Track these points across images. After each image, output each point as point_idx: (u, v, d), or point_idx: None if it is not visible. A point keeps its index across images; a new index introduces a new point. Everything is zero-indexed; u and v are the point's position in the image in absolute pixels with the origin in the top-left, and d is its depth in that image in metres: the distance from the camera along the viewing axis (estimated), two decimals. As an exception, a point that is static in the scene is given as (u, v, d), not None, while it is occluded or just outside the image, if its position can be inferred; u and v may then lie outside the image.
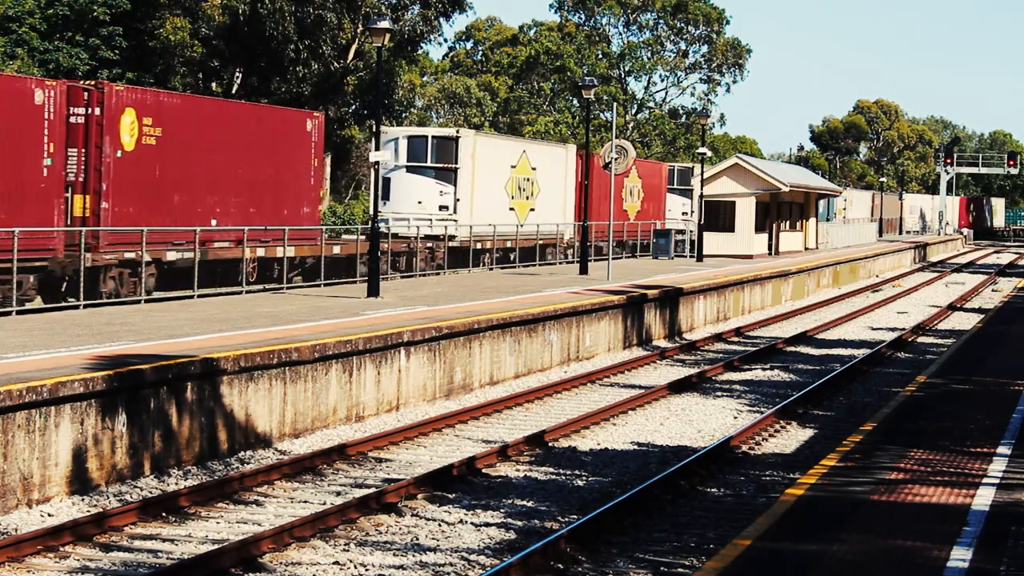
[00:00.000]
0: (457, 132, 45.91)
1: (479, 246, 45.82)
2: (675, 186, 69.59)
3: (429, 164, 45.12)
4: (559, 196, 52.88)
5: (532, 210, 49.88)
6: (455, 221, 44.64)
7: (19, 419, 15.20)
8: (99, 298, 28.94)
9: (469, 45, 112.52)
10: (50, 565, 13.36)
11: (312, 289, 33.31)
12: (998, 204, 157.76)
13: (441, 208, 45.06)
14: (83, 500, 15.84)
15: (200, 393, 18.11)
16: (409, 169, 45.08)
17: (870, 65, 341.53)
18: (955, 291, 58.10)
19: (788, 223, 63.92)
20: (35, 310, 25.82)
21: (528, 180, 49.96)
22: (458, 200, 45.16)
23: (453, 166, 45.19)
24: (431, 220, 44.11)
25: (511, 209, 48.92)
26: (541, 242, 50.07)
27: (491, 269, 45.19)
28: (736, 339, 36.75)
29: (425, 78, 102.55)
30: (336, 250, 39.05)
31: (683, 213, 67.43)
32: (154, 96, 33.18)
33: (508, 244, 47.58)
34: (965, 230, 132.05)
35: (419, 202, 44.87)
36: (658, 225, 61.13)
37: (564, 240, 52.56)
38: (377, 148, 30.98)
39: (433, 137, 45.76)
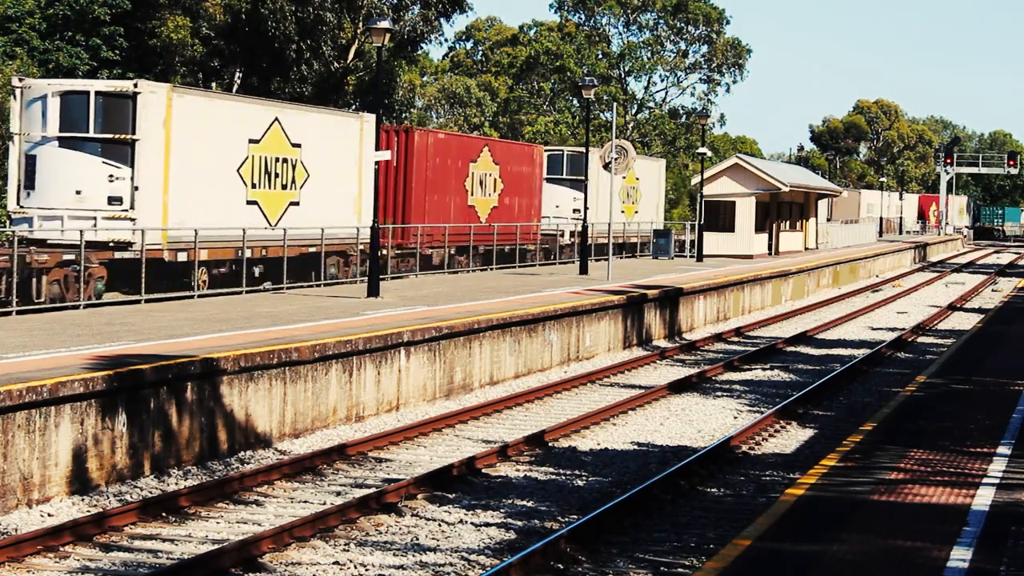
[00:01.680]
0: (136, 86, 30.77)
1: (182, 257, 31.05)
2: (563, 176, 56.55)
3: (92, 135, 30.37)
4: (343, 185, 37.86)
5: (294, 204, 35.51)
6: (132, 220, 30.15)
7: (19, 419, 15.20)
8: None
9: (469, 45, 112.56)
10: (50, 565, 13.36)
11: (312, 289, 33.32)
12: (961, 202, 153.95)
13: (111, 201, 30.35)
14: (83, 500, 15.84)
15: (200, 393, 18.10)
16: (63, 142, 30.44)
17: (870, 65, 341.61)
18: (955, 291, 58.09)
19: (788, 223, 63.91)
20: (35, 310, 25.82)
21: (285, 162, 35.18)
22: (137, 189, 30.38)
23: (130, 137, 30.32)
24: (96, 218, 30.13)
25: (252, 203, 33.80)
26: (315, 250, 35.24)
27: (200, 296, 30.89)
28: (736, 339, 36.75)
29: (425, 78, 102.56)
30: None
31: (575, 211, 54.23)
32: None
33: (250, 253, 32.94)
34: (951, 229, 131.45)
35: (78, 192, 30.37)
36: (536, 225, 51.57)
37: (357, 250, 37.71)
38: (377, 148, 30.96)
39: (98, 94, 30.60)
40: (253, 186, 33.82)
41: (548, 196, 54.38)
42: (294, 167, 35.73)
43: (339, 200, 37.58)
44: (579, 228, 46.28)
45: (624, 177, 55.54)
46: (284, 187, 35.28)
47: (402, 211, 42.16)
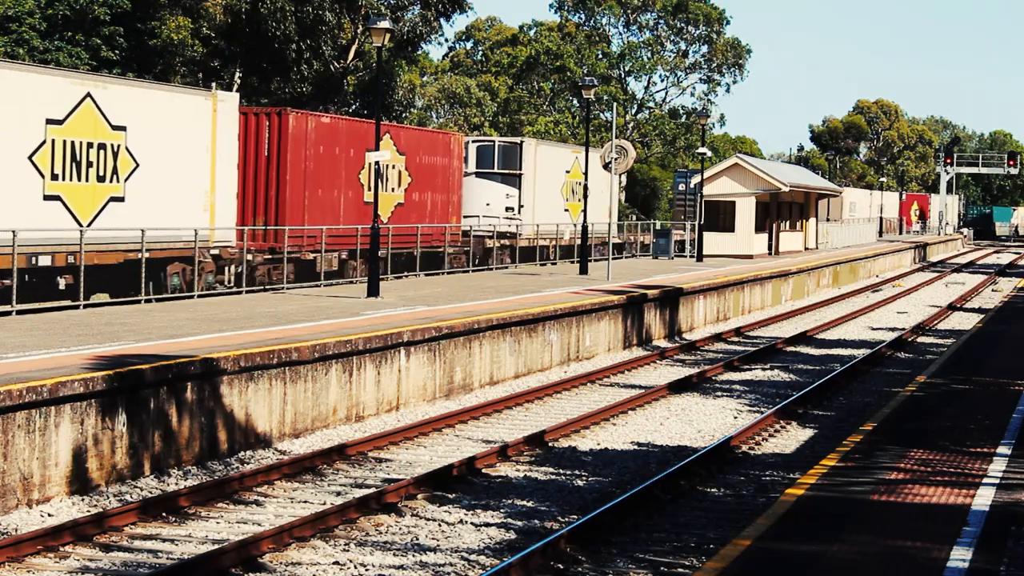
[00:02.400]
0: None
1: None
2: (494, 170, 50.33)
3: None
4: (189, 178, 31.93)
5: (116, 199, 29.67)
6: None
7: (19, 419, 15.19)
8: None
9: (469, 45, 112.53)
10: (50, 565, 13.36)
11: (312, 289, 33.32)
12: (951, 201, 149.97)
13: None
14: (83, 500, 15.84)
15: (200, 393, 18.10)
16: None
17: (870, 65, 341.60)
18: (955, 291, 58.09)
19: (788, 223, 63.91)
20: (35, 310, 25.80)
21: (102, 148, 29.24)
22: None
23: None
24: None
25: (52, 198, 28.13)
26: (150, 255, 29.46)
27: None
28: (736, 339, 36.75)
29: (425, 78, 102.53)
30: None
31: (508, 208, 50.05)
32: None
33: (50, 260, 27.59)
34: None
35: None
36: (456, 226, 45.66)
37: (209, 255, 32.22)
38: (377, 148, 30.96)
39: None
40: (54, 177, 28.10)
41: (477, 192, 49.45)
42: (115, 154, 29.63)
43: (182, 195, 31.59)
44: (512, 228, 45.05)
45: (568, 171, 53.14)
46: (101, 179, 29.28)
47: (275, 209, 36.28)
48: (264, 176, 36.50)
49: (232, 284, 32.78)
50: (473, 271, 43.66)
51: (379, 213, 35.02)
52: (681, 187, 63.19)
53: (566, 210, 54.43)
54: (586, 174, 45.10)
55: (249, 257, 33.47)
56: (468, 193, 48.44)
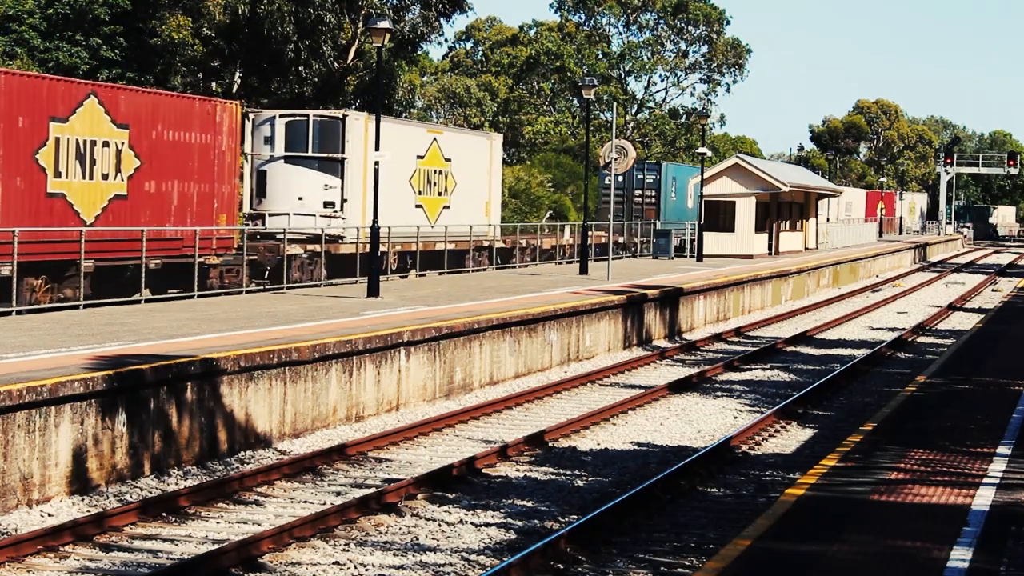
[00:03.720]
0: None
1: None
2: (308, 154, 39.14)
3: None
4: None
5: None
6: None
7: (19, 419, 15.19)
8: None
9: (469, 45, 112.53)
10: (50, 565, 13.36)
11: (312, 289, 33.31)
12: (919, 199, 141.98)
13: None
14: (83, 500, 15.83)
15: (200, 393, 18.10)
16: None
17: (870, 65, 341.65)
18: (955, 291, 58.09)
19: (788, 223, 63.91)
20: (35, 310, 25.80)
21: None
22: None
23: None
24: None
25: None
26: None
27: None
28: (736, 339, 36.75)
29: (425, 78, 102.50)
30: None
31: (327, 204, 38.81)
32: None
33: None
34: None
35: None
36: (225, 229, 33.61)
37: None
38: (377, 148, 30.97)
39: None
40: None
41: (285, 183, 38.81)
42: None
43: None
44: (332, 229, 36.95)
45: (422, 156, 42.53)
46: None
47: None
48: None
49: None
50: (251, 292, 32.31)
51: (78, 209, 28.73)
52: (608, 180, 55.61)
53: (419, 206, 42.65)
54: (587, 174, 45.14)
55: None
56: (275, 184, 39.03)
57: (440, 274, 40.87)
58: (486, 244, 45.56)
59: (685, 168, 71.97)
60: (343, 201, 37.39)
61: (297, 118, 39.49)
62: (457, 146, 44.94)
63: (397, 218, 38.53)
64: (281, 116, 39.49)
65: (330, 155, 38.69)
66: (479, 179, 46.16)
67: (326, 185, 38.77)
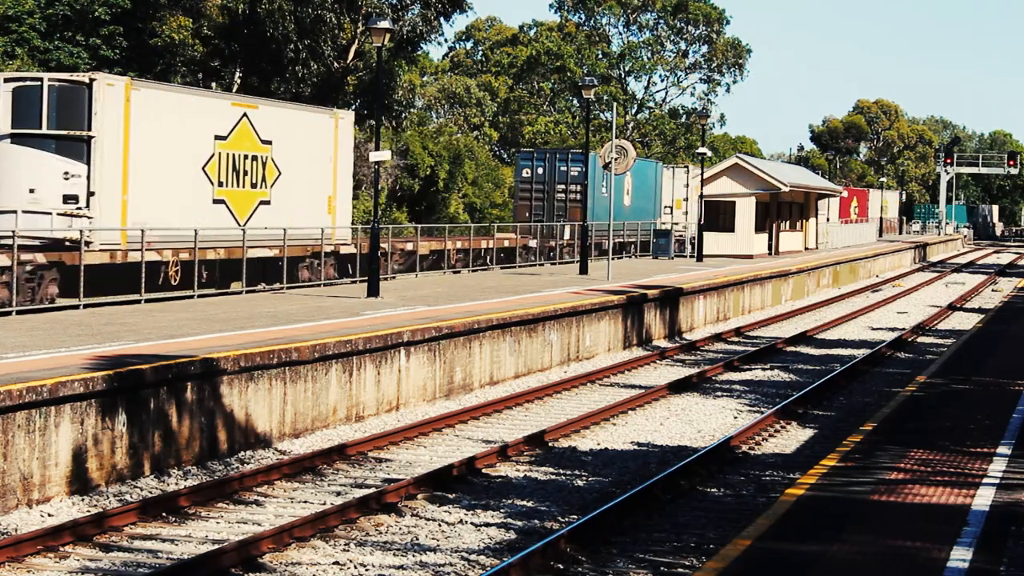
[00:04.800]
0: None
1: None
2: (43, 131, 29.23)
3: None
4: None
5: None
6: None
7: (19, 419, 15.19)
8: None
9: (469, 45, 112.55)
10: (50, 565, 13.36)
11: (312, 289, 33.30)
12: (891, 197, 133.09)
13: None
14: (83, 500, 15.83)
15: (200, 393, 18.10)
16: None
17: (870, 65, 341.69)
18: (955, 291, 58.09)
19: (788, 223, 63.91)
20: (35, 310, 25.80)
21: None
22: None
23: None
24: None
25: None
26: None
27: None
28: (736, 339, 36.75)
29: (425, 78, 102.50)
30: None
31: (68, 199, 29.17)
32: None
33: None
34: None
35: None
36: None
37: None
38: (377, 148, 30.97)
39: None
40: None
41: (10, 169, 29.28)
42: None
43: None
44: (75, 232, 28.09)
45: (223, 137, 32.94)
46: None
47: None
48: None
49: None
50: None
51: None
52: (526, 172, 49.96)
53: (220, 201, 33.16)
54: (587, 173, 45.04)
55: None
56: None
57: (249, 292, 31.43)
58: (329, 249, 36.33)
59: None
60: (90, 195, 28.92)
61: (28, 83, 29.73)
62: (281, 125, 35.19)
63: (183, 217, 30.66)
64: (7, 81, 29.79)
65: (72, 133, 29.20)
66: (318, 168, 36.85)
67: (67, 173, 29.21)
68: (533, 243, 49.18)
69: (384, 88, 57.22)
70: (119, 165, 29.85)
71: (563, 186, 54.43)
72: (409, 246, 42.30)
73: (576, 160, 54.08)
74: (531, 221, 51.76)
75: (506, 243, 47.64)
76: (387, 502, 15.81)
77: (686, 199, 63.41)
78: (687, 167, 67.74)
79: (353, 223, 40.96)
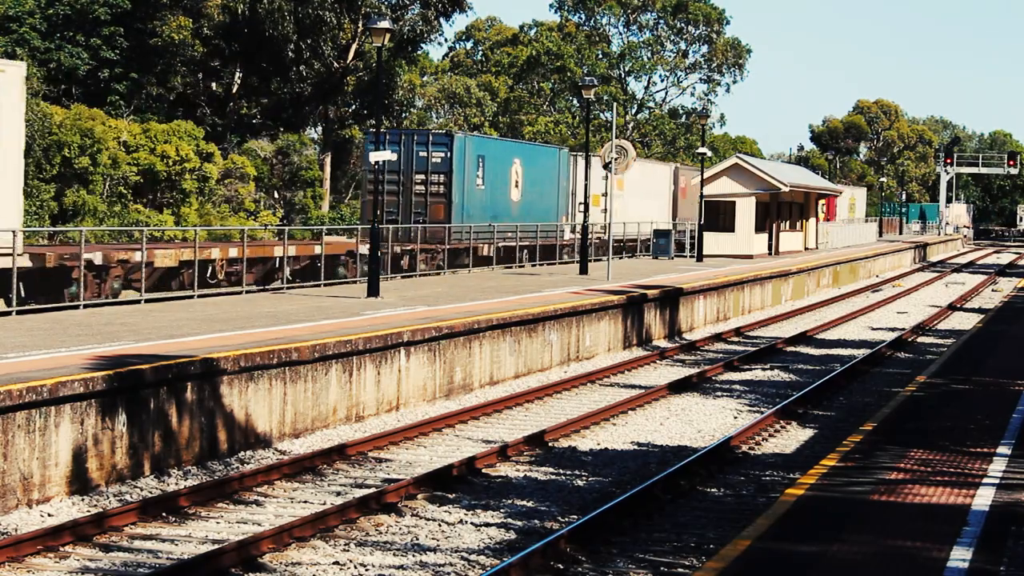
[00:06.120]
0: None
1: None
2: None
3: None
4: None
5: None
6: None
7: (19, 419, 15.19)
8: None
9: (469, 45, 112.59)
10: (50, 565, 13.36)
11: (312, 289, 33.29)
12: (859, 194, 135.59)
13: None
14: (83, 500, 15.83)
15: (200, 393, 18.10)
16: None
17: (870, 65, 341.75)
18: (955, 291, 58.09)
19: (788, 223, 63.91)
20: (35, 310, 25.79)
21: None
22: None
23: None
24: None
25: None
26: None
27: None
28: (736, 339, 36.74)
29: (425, 78, 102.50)
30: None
31: None
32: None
33: None
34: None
35: None
36: None
37: None
38: (377, 148, 30.95)
39: None
40: None
41: None
42: None
43: None
44: None
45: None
46: None
47: None
48: None
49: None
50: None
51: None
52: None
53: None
54: (587, 171, 44.96)
55: None
56: None
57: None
58: None
59: (503, 144, 52.22)
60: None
61: None
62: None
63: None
64: None
65: None
66: None
67: None
68: (364, 248, 36.18)
69: (384, 88, 57.22)
70: None
71: (422, 176, 43.95)
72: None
73: (440, 144, 44.12)
74: (384, 222, 39.58)
75: (345, 248, 38.45)
76: (387, 502, 15.81)
77: (605, 194, 47.08)
78: (607, 156, 55.25)
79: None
